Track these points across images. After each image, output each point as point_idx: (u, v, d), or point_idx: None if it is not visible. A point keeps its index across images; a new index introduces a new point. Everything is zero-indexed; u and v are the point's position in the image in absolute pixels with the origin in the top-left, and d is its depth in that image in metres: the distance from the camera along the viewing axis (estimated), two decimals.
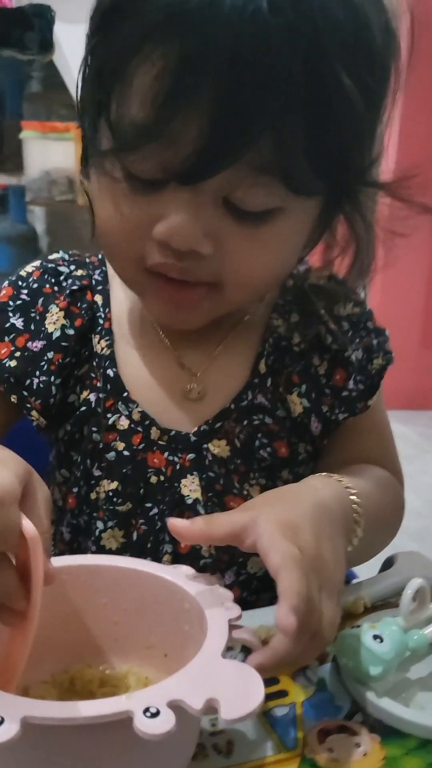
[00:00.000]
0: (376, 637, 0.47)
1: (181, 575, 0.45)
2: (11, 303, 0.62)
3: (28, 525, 0.38)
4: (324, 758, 0.43)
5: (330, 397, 0.62)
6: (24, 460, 0.44)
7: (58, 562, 0.46)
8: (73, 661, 0.47)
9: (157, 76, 0.43)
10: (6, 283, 0.64)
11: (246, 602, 0.62)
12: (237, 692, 0.35)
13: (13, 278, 0.64)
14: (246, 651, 0.45)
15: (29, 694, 0.45)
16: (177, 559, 0.59)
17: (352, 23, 0.45)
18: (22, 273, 0.64)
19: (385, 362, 0.64)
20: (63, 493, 0.64)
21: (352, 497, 0.53)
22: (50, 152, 3.00)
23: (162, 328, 0.62)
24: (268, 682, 0.47)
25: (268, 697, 0.47)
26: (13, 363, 0.60)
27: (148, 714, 0.33)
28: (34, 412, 0.61)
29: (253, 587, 0.62)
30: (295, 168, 0.46)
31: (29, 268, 0.65)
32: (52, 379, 0.60)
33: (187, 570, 0.47)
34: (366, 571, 0.65)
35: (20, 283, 0.63)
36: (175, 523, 0.45)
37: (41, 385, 0.60)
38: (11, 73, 2.26)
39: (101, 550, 0.60)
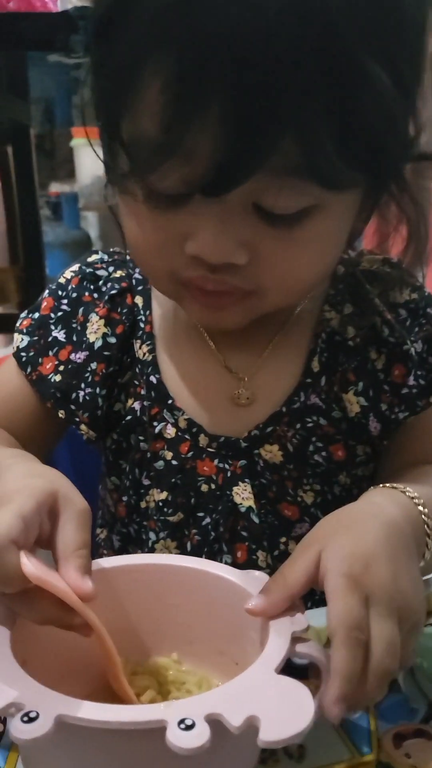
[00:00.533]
0: None
1: (252, 580, 0.44)
2: (52, 315, 0.61)
3: (28, 566, 0.37)
4: (402, 764, 0.41)
5: (389, 395, 0.58)
6: (59, 471, 0.44)
7: (131, 560, 0.46)
8: (148, 656, 0.47)
9: (162, 90, 0.40)
10: (46, 293, 0.63)
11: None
12: (283, 712, 0.33)
13: (53, 287, 0.63)
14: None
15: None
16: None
17: None
18: (61, 280, 0.63)
19: None
20: (114, 501, 0.63)
21: (420, 507, 0.48)
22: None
23: (206, 330, 0.59)
24: None
25: None
26: (58, 378, 0.60)
27: (182, 726, 0.32)
28: (83, 426, 0.60)
29: (318, 598, 0.60)
30: (325, 164, 0.42)
31: (68, 274, 0.63)
32: (98, 390, 0.59)
33: (259, 575, 0.45)
34: None
35: (60, 292, 0.62)
36: (254, 609, 0.41)
37: (87, 398, 0.59)
38: (59, 80, 2.29)
39: None
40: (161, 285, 0.53)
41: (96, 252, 0.65)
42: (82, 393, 0.59)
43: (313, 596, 0.60)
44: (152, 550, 0.59)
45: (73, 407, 0.59)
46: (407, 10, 0.42)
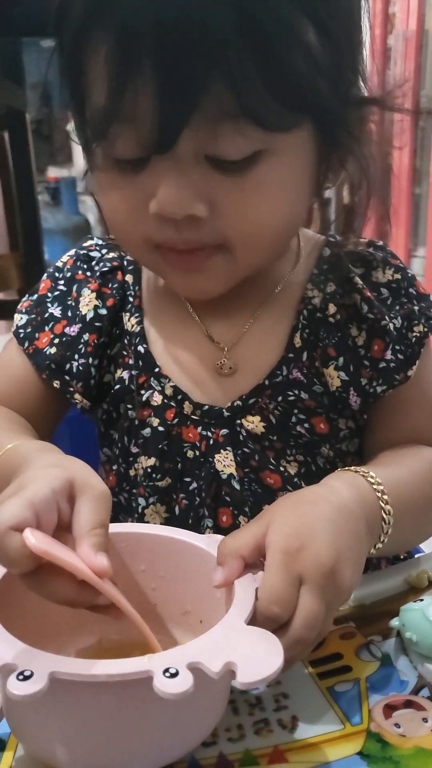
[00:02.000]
0: None
1: (215, 544, 0.46)
2: (50, 294, 0.64)
3: (30, 539, 0.38)
4: (391, 733, 0.42)
5: (369, 370, 0.59)
6: (81, 460, 0.46)
7: None
8: (114, 622, 0.47)
9: (105, 62, 0.45)
10: (45, 275, 0.66)
11: None
12: (256, 658, 0.36)
13: (51, 270, 0.66)
14: None
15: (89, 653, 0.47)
16: (218, 533, 0.58)
17: None
18: (59, 264, 0.66)
19: (427, 329, 0.60)
20: (106, 472, 0.66)
21: (378, 494, 0.50)
22: None
23: (189, 301, 0.61)
24: (332, 657, 0.48)
25: (332, 672, 0.47)
26: (53, 350, 0.62)
27: (167, 674, 0.35)
28: (77, 395, 0.62)
29: None
30: (258, 104, 0.45)
31: (65, 257, 0.67)
32: (90, 360, 0.61)
33: (220, 539, 0.47)
34: (429, 544, 0.64)
35: (57, 274, 0.66)
36: (221, 583, 0.43)
37: (81, 368, 0.61)
38: (53, 67, 2.27)
39: None
40: (140, 255, 0.56)
41: (92, 237, 0.68)
42: (75, 363, 0.61)
43: None
44: (142, 517, 0.61)
45: (67, 377, 0.62)
46: None
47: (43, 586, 0.40)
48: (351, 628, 0.51)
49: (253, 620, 0.40)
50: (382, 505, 0.50)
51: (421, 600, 0.48)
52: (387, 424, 0.61)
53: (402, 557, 0.66)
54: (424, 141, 2.40)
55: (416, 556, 0.60)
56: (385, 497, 0.50)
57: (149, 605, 0.48)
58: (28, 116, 1.70)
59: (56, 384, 0.62)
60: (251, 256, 0.53)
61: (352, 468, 0.52)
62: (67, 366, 0.62)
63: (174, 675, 0.35)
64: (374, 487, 0.50)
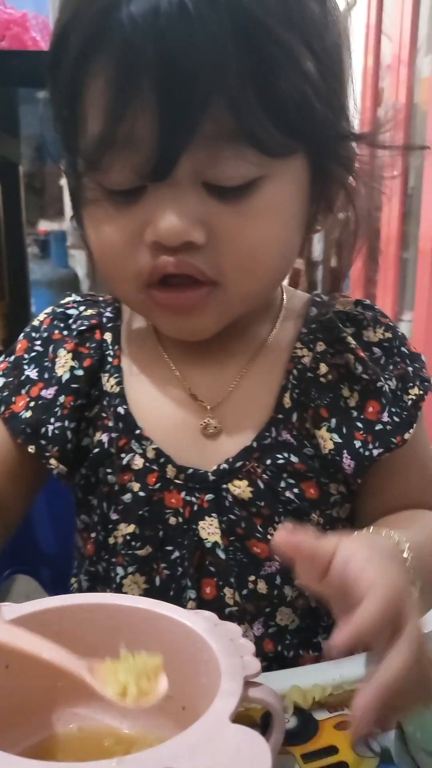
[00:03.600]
0: None
1: (201, 622, 0.42)
2: (26, 356, 0.62)
3: None
4: None
5: (363, 432, 0.56)
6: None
7: (78, 599, 0.45)
8: (91, 701, 0.44)
9: (103, 90, 0.45)
10: (21, 336, 0.64)
11: (284, 659, 0.57)
12: (239, 763, 0.32)
13: (28, 329, 0.64)
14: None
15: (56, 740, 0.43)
16: (201, 605, 0.55)
17: None
18: (35, 323, 0.64)
19: (422, 391, 0.59)
20: (84, 540, 0.62)
21: (404, 554, 0.47)
22: None
23: (170, 354, 0.59)
24: (326, 751, 0.44)
25: None
26: (29, 414, 0.59)
27: None
28: (52, 460, 0.58)
29: (288, 642, 0.57)
30: (258, 127, 0.46)
31: (41, 316, 0.64)
32: (66, 423, 0.58)
33: (209, 616, 0.43)
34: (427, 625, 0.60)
35: (33, 334, 0.63)
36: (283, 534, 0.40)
37: (56, 431, 0.58)
38: (49, 121, 2.31)
39: None
40: (129, 294, 0.54)
41: (70, 294, 0.66)
42: (51, 427, 0.58)
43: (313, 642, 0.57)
44: (120, 587, 0.57)
45: (43, 442, 0.58)
46: (312, 6, 0.48)
47: None
48: (346, 716, 0.47)
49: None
50: (409, 566, 0.46)
51: None
52: (383, 490, 0.59)
53: None
54: (412, 207, 2.45)
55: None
56: (411, 557, 0.46)
57: None
58: (21, 168, 1.71)
59: (31, 449, 0.59)
60: (245, 290, 0.52)
61: (373, 530, 0.49)
62: (42, 430, 0.58)
63: None
64: (399, 546, 0.46)
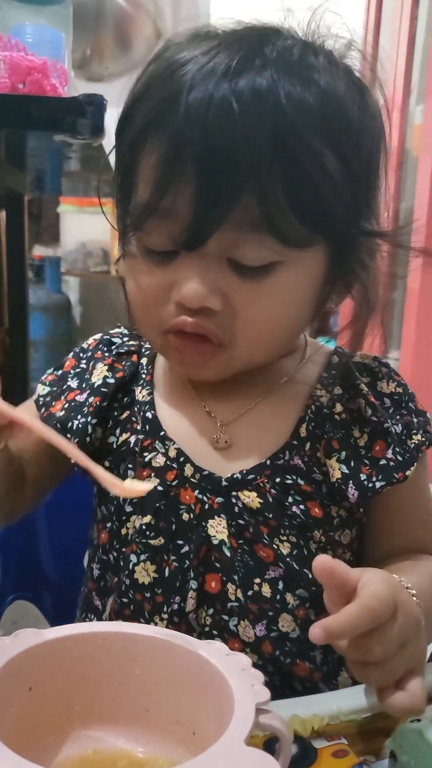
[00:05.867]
0: None
1: (214, 652, 0.45)
2: (71, 372, 0.69)
3: None
4: None
5: (368, 467, 0.61)
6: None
7: (94, 627, 0.47)
8: (106, 725, 0.47)
9: (154, 165, 0.52)
10: (70, 354, 0.72)
11: (281, 664, 0.60)
12: None
13: (77, 350, 0.72)
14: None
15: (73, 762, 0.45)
16: (205, 599, 0.59)
17: (320, 100, 0.52)
18: (84, 345, 0.72)
19: (425, 440, 0.63)
20: (99, 531, 0.67)
21: (414, 598, 0.52)
22: (86, 225, 3.10)
23: (193, 381, 0.65)
24: None
25: None
26: (62, 413, 0.66)
27: None
28: None
29: (287, 649, 0.60)
30: (280, 221, 0.51)
31: (90, 340, 0.72)
32: (89, 419, 0.64)
33: (220, 647, 0.46)
34: None
35: (81, 354, 0.71)
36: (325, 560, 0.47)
37: (79, 426, 0.64)
38: (52, 154, 2.37)
39: (134, 583, 0.61)
40: (151, 336, 0.62)
41: (119, 326, 0.74)
42: (76, 422, 0.65)
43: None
44: (132, 574, 0.61)
45: (68, 435, 0.64)
46: (350, 112, 0.54)
47: None
48: (344, 745, 0.50)
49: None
50: (419, 608, 0.52)
51: (418, 720, 0.48)
52: (388, 532, 0.63)
53: None
54: (398, 266, 2.50)
55: None
56: (418, 600, 0.52)
57: (141, 710, 0.47)
58: (26, 198, 1.75)
59: None
60: (248, 354, 0.58)
61: (383, 572, 0.52)
62: (69, 425, 0.65)
63: None
64: (409, 590, 0.52)
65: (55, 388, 0.69)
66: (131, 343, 0.70)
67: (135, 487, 0.47)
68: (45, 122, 1.00)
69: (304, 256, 0.54)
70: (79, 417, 0.65)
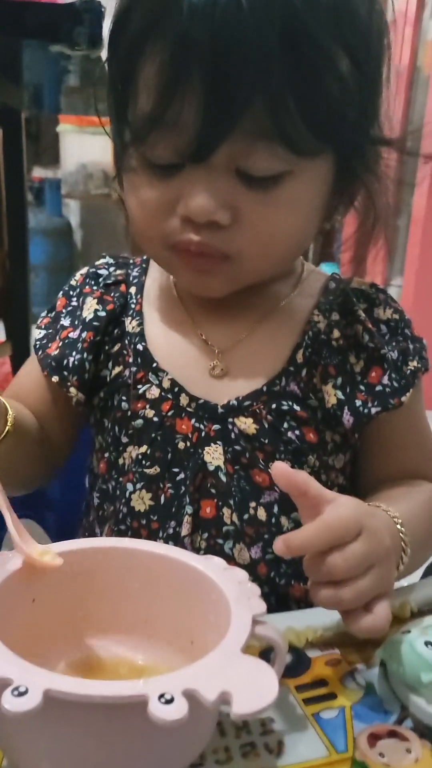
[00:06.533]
0: (428, 643, 0.47)
1: (212, 566, 0.46)
2: (63, 311, 0.69)
3: None
4: (376, 762, 0.43)
5: (364, 393, 0.62)
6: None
7: (95, 543, 0.49)
8: (105, 634, 0.49)
9: (157, 72, 0.49)
10: (60, 293, 0.71)
11: (276, 585, 0.62)
12: (251, 688, 0.36)
13: (66, 288, 0.70)
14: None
15: (76, 668, 0.47)
16: (200, 524, 0.60)
17: None
18: (72, 282, 0.70)
19: (421, 366, 0.63)
20: (98, 460, 0.67)
21: (399, 527, 0.53)
22: (87, 146, 3.02)
23: (187, 307, 0.64)
24: (316, 684, 0.49)
25: (317, 699, 0.48)
26: (56, 352, 0.65)
27: (162, 700, 0.34)
28: (72, 389, 0.64)
29: (283, 571, 0.62)
30: (291, 129, 0.49)
31: (77, 275, 0.70)
32: (85, 355, 0.64)
33: (219, 561, 0.47)
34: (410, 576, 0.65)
35: (71, 292, 0.70)
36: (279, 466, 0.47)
37: (76, 363, 0.64)
38: (50, 67, 2.28)
39: (131, 511, 0.62)
40: (155, 251, 0.60)
41: (104, 256, 0.72)
42: (71, 359, 0.65)
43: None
44: (128, 502, 0.62)
45: (65, 373, 0.65)
46: (359, 9, 0.51)
47: None
48: (336, 654, 0.52)
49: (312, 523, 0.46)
50: (402, 536, 0.53)
51: (408, 632, 0.49)
52: (383, 457, 0.64)
53: None
54: (406, 175, 2.45)
55: (398, 587, 0.61)
56: (403, 529, 0.53)
57: (141, 621, 0.49)
58: (23, 115, 1.69)
59: (54, 379, 0.65)
60: (257, 266, 0.57)
61: (371, 504, 0.54)
62: (65, 362, 0.65)
63: (169, 701, 0.34)
64: (394, 519, 0.53)
65: (50, 331, 0.68)
66: (118, 272, 0.69)
67: (44, 559, 0.45)
68: (40, 30, 0.96)
69: (312, 165, 0.53)
70: (74, 353, 0.64)
